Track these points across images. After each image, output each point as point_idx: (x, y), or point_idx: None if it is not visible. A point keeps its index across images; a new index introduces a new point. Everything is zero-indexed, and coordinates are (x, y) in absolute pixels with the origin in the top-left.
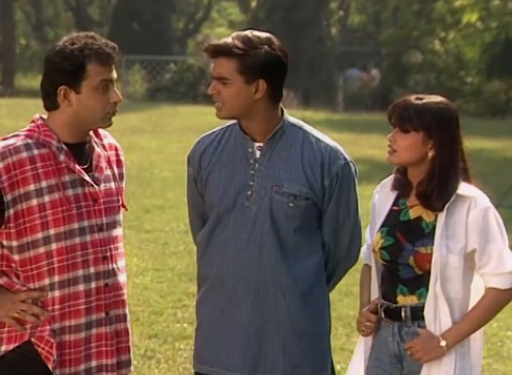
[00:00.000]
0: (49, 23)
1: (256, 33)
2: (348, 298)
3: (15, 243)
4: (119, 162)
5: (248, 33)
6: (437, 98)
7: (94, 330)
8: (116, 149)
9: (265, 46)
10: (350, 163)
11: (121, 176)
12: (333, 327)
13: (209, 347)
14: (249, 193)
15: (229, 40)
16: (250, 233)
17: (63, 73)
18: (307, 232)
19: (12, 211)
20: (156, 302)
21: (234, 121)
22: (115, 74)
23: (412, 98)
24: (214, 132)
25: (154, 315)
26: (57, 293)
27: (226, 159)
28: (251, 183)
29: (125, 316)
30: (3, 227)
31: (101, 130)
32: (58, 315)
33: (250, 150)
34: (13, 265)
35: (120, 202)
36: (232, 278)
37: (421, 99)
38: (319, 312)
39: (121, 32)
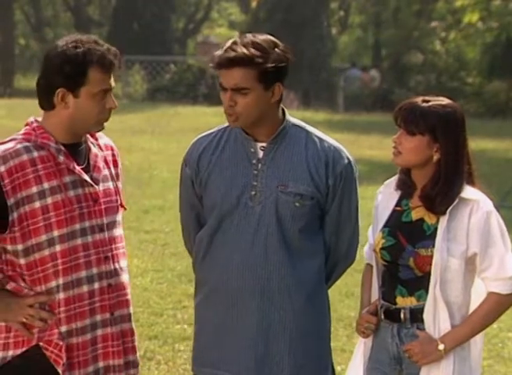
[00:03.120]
0: (48, 23)
1: (259, 36)
2: (349, 298)
3: (20, 246)
4: (115, 162)
5: (253, 38)
6: (443, 101)
7: (99, 331)
8: (112, 149)
9: (276, 49)
10: (352, 163)
11: (118, 176)
12: (334, 328)
13: (213, 350)
14: (253, 193)
15: (242, 49)
16: (254, 234)
17: (63, 76)
18: (310, 232)
19: (15, 214)
20: (156, 303)
21: None
22: (113, 82)
23: (418, 100)
24: (211, 133)
25: (154, 316)
26: (62, 295)
27: (227, 160)
28: (255, 183)
29: (129, 315)
30: (8, 232)
31: None
32: (65, 317)
33: (252, 150)
34: (18, 269)
35: (119, 202)
36: (237, 280)
37: (427, 102)
38: (322, 312)
39: (121, 32)
